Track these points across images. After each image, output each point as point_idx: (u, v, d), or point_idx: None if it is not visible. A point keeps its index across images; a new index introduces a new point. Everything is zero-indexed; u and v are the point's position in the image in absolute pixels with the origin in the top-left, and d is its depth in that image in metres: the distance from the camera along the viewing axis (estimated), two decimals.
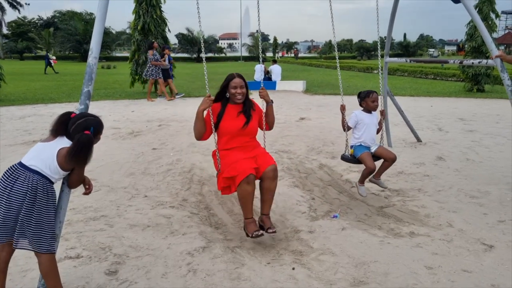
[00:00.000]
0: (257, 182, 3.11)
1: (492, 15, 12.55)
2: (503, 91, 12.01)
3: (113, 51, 53.79)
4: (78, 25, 46.05)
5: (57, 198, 2.34)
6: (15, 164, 2.22)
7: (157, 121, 8.26)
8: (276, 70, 15.51)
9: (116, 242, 3.11)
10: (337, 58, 4.25)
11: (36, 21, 62.89)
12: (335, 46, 4.25)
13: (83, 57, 42.47)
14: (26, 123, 8.00)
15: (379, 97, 4.01)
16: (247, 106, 3.20)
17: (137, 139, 6.65)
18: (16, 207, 2.13)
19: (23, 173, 2.17)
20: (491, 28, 12.57)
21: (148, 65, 11.55)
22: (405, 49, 59.99)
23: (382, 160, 3.84)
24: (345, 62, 33.05)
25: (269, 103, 3.26)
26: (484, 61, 4.66)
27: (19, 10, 59.11)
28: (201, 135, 3.18)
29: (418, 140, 6.46)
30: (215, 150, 3.18)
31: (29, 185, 2.14)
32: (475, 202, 3.94)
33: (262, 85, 3.26)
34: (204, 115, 3.12)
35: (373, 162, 3.70)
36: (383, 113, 4.00)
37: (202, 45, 3.35)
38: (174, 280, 2.62)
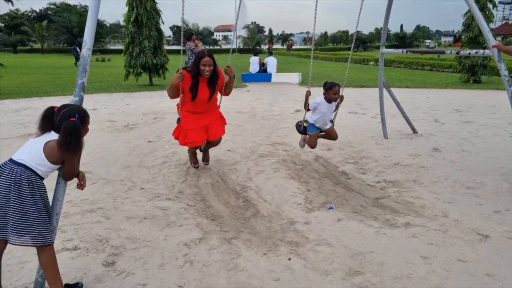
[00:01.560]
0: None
1: (490, 5, 12.51)
2: (500, 82, 12.05)
3: (107, 44, 53.29)
4: (72, 18, 45.52)
5: (46, 191, 2.28)
6: (5, 161, 2.21)
7: (152, 114, 8.23)
8: (271, 62, 15.44)
9: (113, 234, 3.11)
10: (312, 50, 4.37)
11: (29, 14, 62.06)
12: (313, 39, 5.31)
13: None
14: (21, 116, 7.93)
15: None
16: (215, 79, 4.02)
17: (132, 132, 6.63)
18: (2, 201, 2.11)
19: (8, 166, 2.16)
20: (488, 18, 12.53)
21: (188, 57, 11.21)
22: (401, 40, 59.90)
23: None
24: (341, 54, 32.98)
25: (231, 78, 4.16)
26: (481, 51, 4.65)
27: (12, 3, 58.27)
28: (174, 97, 4.05)
29: (414, 131, 6.48)
30: (179, 103, 4.11)
31: (12, 177, 2.12)
32: (471, 193, 3.97)
33: (229, 63, 4.02)
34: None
35: (315, 143, 4.50)
36: (342, 98, 4.44)
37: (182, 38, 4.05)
38: (171, 271, 2.63)
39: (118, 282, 2.51)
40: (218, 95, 4.29)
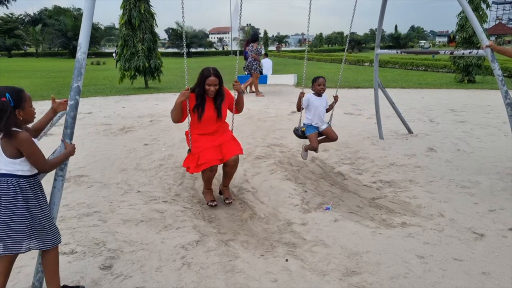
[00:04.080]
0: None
1: (483, 6, 12.60)
2: (494, 82, 12.15)
3: (102, 47, 53.14)
4: (67, 21, 45.36)
5: (42, 189, 2.24)
6: None
7: (148, 117, 8.21)
8: (267, 64, 15.43)
9: (110, 237, 3.10)
10: (306, 52, 4.41)
11: (23, 17, 61.73)
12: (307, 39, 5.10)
13: (72, 54, 41.92)
14: None
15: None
16: (219, 99, 3.71)
17: (128, 135, 6.61)
18: (9, 215, 2.07)
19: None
20: (482, 18, 12.63)
21: (249, 59, 11.12)
22: (396, 41, 60.20)
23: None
24: (335, 55, 33.09)
25: (240, 94, 3.84)
26: (475, 51, 4.70)
27: (6, 6, 57.98)
28: (178, 120, 3.72)
29: (410, 131, 6.51)
30: (188, 131, 3.73)
31: (3, 191, 2.06)
32: (466, 192, 3.99)
33: (236, 78, 3.80)
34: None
35: (317, 143, 4.47)
36: (336, 98, 4.53)
37: (185, 42, 3.68)
38: (169, 273, 2.63)
39: (116, 286, 2.50)
40: (230, 120, 3.91)
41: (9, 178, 2.08)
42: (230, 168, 3.74)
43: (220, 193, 3.99)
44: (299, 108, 4.48)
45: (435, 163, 4.97)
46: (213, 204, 3.72)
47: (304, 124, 4.57)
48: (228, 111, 3.85)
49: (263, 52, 11.34)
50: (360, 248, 2.92)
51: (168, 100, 10.62)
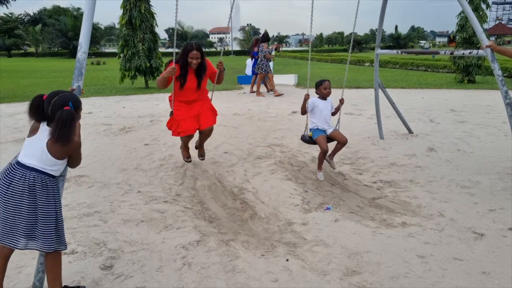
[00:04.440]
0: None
1: (483, 6, 12.60)
2: (494, 82, 12.15)
3: (102, 47, 53.15)
4: (67, 21, 45.36)
5: (61, 193, 2.31)
6: (13, 164, 2.16)
7: (148, 117, 8.22)
8: None
9: (110, 237, 3.11)
10: (309, 52, 4.34)
11: (23, 17, 61.71)
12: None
13: (72, 54, 41.88)
14: (16, 120, 7.89)
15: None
16: (202, 71, 4.21)
17: (128, 135, 6.61)
18: (14, 207, 2.08)
19: (19, 171, 2.11)
20: (482, 18, 12.62)
21: (260, 59, 11.03)
22: (396, 41, 60.20)
23: (335, 143, 4.35)
24: (336, 55, 33.09)
25: (221, 71, 4.29)
26: (475, 51, 4.69)
27: (6, 6, 57.93)
28: (163, 88, 4.21)
29: (410, 131, 6.51)
30: (171, 96, 4.28)
31: (26, 184, 2.08)
32: (466, 192, 4.00)
33: (220, 59, 4.23)
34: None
35: (326, 144, 4.22)
36: (342, 101, 4.43)
37: (175, 39, 4.21)
38: (169, 273, 2.63)
39: (116, 286, 2.51)
40: (210, 93, 4.53)
41: (43, 175, 2.15)
42: (204, 136, 4.55)
43: (196, 147, 4.81)
44: (304, 111, 4.35)
45: (435, 163, 4.97)
46: (188, 161, 4.68)
47: (310, 129, 4.40)
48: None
49: (273, 52, 11.22)
50: (361, 248, 2.92)
51: (167, 101, 10.61)
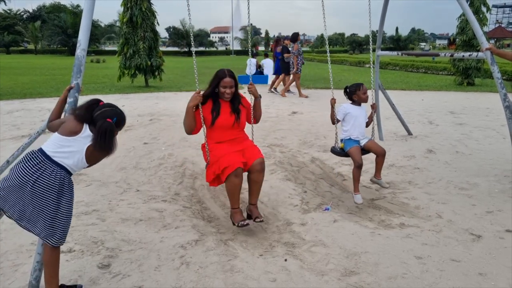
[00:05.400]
0: (245, 174, 3.23)
1: (483, 9, 12.63)
2: (493, 85, 12.16)
3: (102, 45, 53.06)
4: (67, 18, 45.27)
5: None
6: (39, 154, 2.15)
7: (148, 116, 8.21)
8: (268, 64, 15.46)
9: (108, 236, 3.10)
10: (327, 53, 4.23)
11: (22, 13, 61.52)
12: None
13: (71, 51, 41.74)
14: (14, 117, 7.88)
15: (369, 90, 4.04)
16: (236, 103, 3.34)
17: (128, 134, 6.60)
18: (41, 199, 2.10)
19: (50, 167, 2.12)
20: (482, 21, 12.66)
21: (299, 60, 10.97)
22: (396, 43, 60.22)
23: (374, 158, 3.90)
24: (336, 56, 33.08)
25: (257, 98, 3.39)
26: (474, 54, 4.70)
27: (5, 2, 57.74)
28: (191, 130, 3.31)
29: (409, 133, 6.52)
30: (204, 143, 3.31)
31: (56, 182, 2.12)
32: (464, 194, 4.00)
33: (251, 80, 3.37)
34: (194, 110, 3.25)
35: (360, 157, 3.64)
36: (374, 107, 3.92)
37: (192, 40, 3.43)
38: (167, 272, 2.63)
39: (114, 284, 2.50)
40: (248, 128, 3.47)
41: (69, 175, 2.21)
42: (257, 175, 3.20)
43: (249, 217, 3.29)
44: (334, 120, 3.79)
45: (434, 164, 4.98)
46: (245, 223, 3.07)
47: (341, 140, 3.84)
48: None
49: (300, 52, 11.05)
50: (359, 248, 2.93)
51: (168, 99, 10.62)
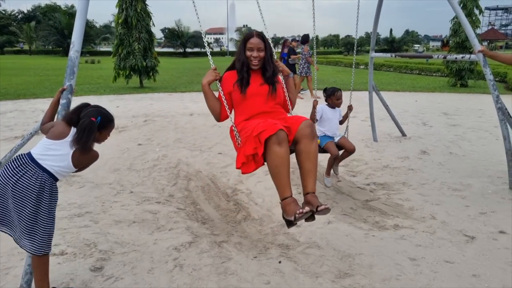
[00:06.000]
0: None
1: (476, 11, 12.75)
2: (486, 86, 12.27)
3: (98, 45, 52.77)
4: (62, 18, 44.98)
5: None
6: (25, 156, 2.13)
7: (142, 117, 8.17)
8: None
9: (101, 238, 3.07)
10: (314, 55, 4.27)
11: (17, 14, 61.04)
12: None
13: (66, 52, 41.19)
14: (8, 118, 7.80)
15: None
16: (270, 71, 2.64)
17: (122, 135, 6.57)
18: (19, 201, 2.06)
19: (32, 169, 2.09)
20: (475, 24, 12.78)
21: (302, 62, 10.93)
22: (390, 44, 60.62)
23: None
24: (331, 57, 33.21)
25: (288, 75, 2.78)
26: (467, 56, 4.74)
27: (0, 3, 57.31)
28: (217, 113, 2.66)
29: (403, 134, 6.55)
30: (232, 125, 2.59)
31: (37, 184, 2.08)
32: (458, 195, 4.02)
33: (276, 58, 2.80)
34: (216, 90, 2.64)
35: (336, 149, 4.08)
36: (350, 108, 4.28)
37: (204, 38, 2.82)
38: (161, 275, 2.61)
39: (106, 287, 2.48)
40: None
41: (53, 179, 2.16)
42: (307, 143, 2.34)
43: (306, 198, 2.39)
44: (314, 119, 4.05)
45: (428, 166, 5.00)
46: (306, 211, 2.14)
47: (318, 137, 4.11)
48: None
49: (310, 54, 11.02)
50: (353, 250, 2.93)
51: (163, 100, 10.57)
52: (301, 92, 11.68)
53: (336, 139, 4.19)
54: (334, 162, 4.15)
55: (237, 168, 2.42)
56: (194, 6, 2.65)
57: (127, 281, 2.54)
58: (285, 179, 2.24)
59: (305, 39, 11.17)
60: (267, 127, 2.23)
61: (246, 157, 2.31)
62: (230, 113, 2.67)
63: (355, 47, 4.90)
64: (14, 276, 2.57)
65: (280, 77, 2.78)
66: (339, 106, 4.22)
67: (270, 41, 2.71)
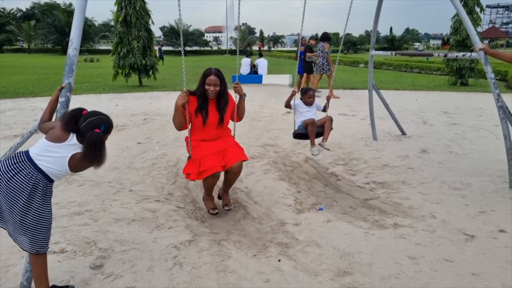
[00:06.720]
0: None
1: (477, 9, 12.70)
2: (486, 85, 12.27)
3: (97, 44, 52.69)
4: (61, 17, 44.90)
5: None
6: (22, 154, 2.13)
7: (141, 115, 8.17)
8: (262, 64, 15.45)
9: (101, 237, 3.07)
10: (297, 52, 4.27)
11: (15, 12, 60.95)
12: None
13: (65, 50, 41.26)
14: (7, 117, 7.80)
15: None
16: (222, 102, 3.44)
17: (121, 133, 6.56)
18: (11, 197, 2.06)
19: (27, 167, 2.08)
20: (476, 22, 12.73)
21: (320, 59, 10.83)
22: (390, 43, 60.58)
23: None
24: (331, 56, 33.20)
25: (241, 97, 3.53)
26: (468, 54, 4.72)
27: None
28: (181, 127, 3.41)
29: (403, 133, 6.55)
30: (187, 136, 3.44)
31: (30, 183, 2.07)
32: (458, 194, 4.02)
33: (237, 80, 3.51)
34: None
35: (310, 119, 4.33)
36: (328, 98, 4.57)
37: (182, 40, 3.58)
38: (160, 273, 2.61)
39: (106, 285, 2.48)
40: (231, 124, 3.65)
41: (47, 180, 2.14)
42: (232, 175, 3.47)
43: (219, 197, 3.76)
44: (288, 105, 4.50)
45: (428, 164, 5.00)
46: (214, 212, 3.47)
47: (298, 127, 4.48)
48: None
49: (329, 52, 10.97)
50: (353, 248, 2.92)
51: (162, 99, 10.57)
52: (318, 91, 11.57)
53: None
54: (313, 128, 4.31)
55: (183, 173, 3.45)
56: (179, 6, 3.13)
57: (127, 279, 2.54)
58: (211, 190, 3.53)
59: (326, 36, 11.08)
60: (210, 166, 3.24)
61: (188, 174, 3.36)
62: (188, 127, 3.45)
63: (340, 45, 5.28)
64: (14, 274, 2.57)
65: (233, 96, 3.57)
66: (310, 105, 4.51)
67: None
